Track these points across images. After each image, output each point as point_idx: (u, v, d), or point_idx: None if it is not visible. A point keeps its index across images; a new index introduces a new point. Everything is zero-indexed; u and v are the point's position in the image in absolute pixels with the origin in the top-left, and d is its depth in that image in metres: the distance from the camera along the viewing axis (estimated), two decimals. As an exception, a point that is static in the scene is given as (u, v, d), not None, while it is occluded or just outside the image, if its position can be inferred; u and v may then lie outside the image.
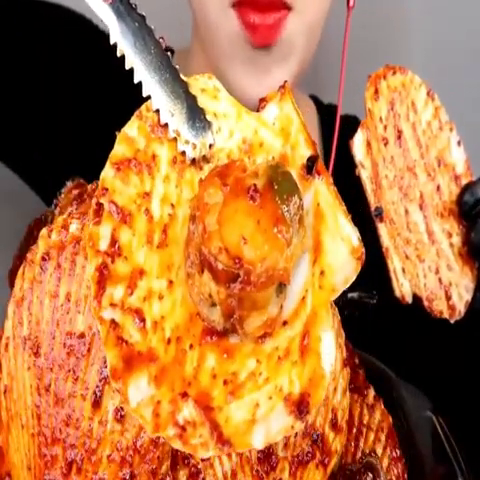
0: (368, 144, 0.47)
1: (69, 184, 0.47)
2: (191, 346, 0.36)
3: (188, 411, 0.34)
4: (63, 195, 0.47)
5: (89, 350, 0.38)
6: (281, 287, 0.36)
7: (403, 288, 0.47)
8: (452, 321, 0.51)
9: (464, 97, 0.91)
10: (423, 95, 0.54)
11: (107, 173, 0.37)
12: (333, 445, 0.41)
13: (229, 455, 0.39)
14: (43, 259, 0.40)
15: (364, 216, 0.46)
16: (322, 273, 0.37)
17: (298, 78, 0.61)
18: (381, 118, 0.50)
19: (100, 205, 0.37)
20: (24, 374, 0.40)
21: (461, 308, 0.52)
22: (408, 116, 0.52)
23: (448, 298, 0.51)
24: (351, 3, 0.56)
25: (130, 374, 0.34)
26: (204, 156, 0.39)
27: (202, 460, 0.38)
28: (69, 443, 0.38)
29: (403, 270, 0.47)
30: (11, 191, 0.76)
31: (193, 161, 0.39)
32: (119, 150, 0.38)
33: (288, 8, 0.56)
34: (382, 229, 0.46)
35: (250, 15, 0.55)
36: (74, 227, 0.40)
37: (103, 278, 0.35)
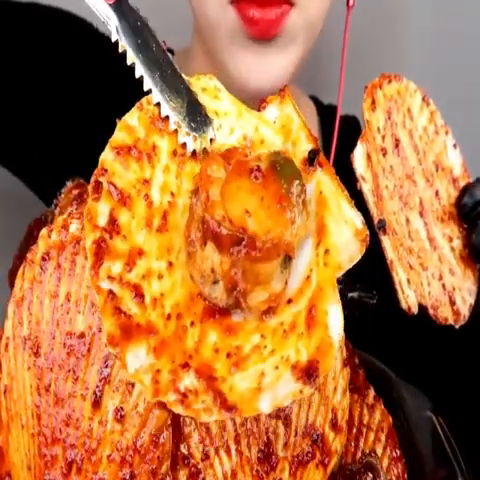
0: (368, 157, 0.47)
1: (69, 184, 0.47)
2: (192, 323, 0.36)
3: (189, 380, 0.34)
4: (63, 195, 0.47)
5: (89, 350, 0.38)
6: (286, 262, 0.36)
7: (409, 299, 0.47)
8: (457, 326, 0.51)
9: (464, 97, 0.91)
10: (418, 101, 0.54)
11: (107, 155, 0.37)
12: (333, 445, 0.41)
13: (229, 455, 0.39)
14: (43, 259, 0.40)
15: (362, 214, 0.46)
16: (327, 252, 0.37)
17: (297, 69, 0.61)
18: (379, 128, 0.50)
19: (99, 183, 0.36)
20: (24, 374, 0.40)
21: (465, 312, 0.52)
22: (405, 123, 0.52)
23: (452, 303, 0.51)
24: (351, 3, 0.56)
25: (128, 342, 0.34)
26: (205, 149, 0.40)
27: (202, 460, 0.39)
28: (69, 443, 0.38)
29: (408, 281, 0.47)
30: (11, 191, 0.76)
31: (194, 153, 0.39)
32: (119, 136, 0.38)
33: (290, 3, 0.56)
34: (385, 241, 0.46)
35: (250, 10, 0.55)
36: (74, 227, 0.40)
37: (101, 251, 0.35)
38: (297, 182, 0.36)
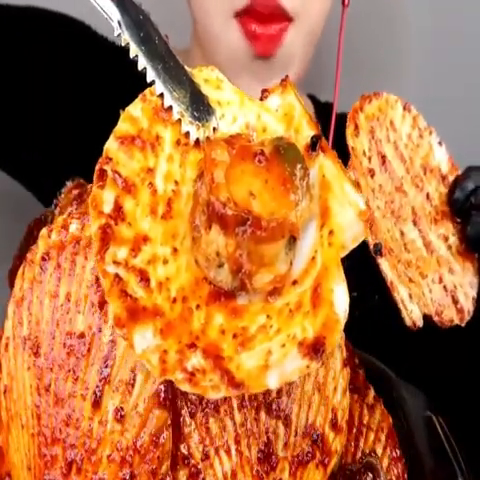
0: (357, 184, 0.47)
1: (69, 184, 0.47)
2: (198, 306, 0.36)
3: (196, 360, 0.34)
4: (63, 195, 0.47)
5: (89, 350, 0.38)
6: (290, 244, 0.36)
7: (413, 314, 0.46)
8: (463, 324, 0.50)
9: (464, 97, 0.91)
10: (400, 111, 0.54)
11: (111, 145, 0.38)
12: (333, 445, 0.41)
13: (229, 455, 0.39)
14: (43, 259, 0.40)
15: None
16: (331, 232, 0.37)
17: (297, 82, 0.62)
18: (364, 151, 0.49)
19: (104, 171, 0.37)
20: (24, 374, 0.40)
21: (469, 307, 0.51)
22: (388, 137, 0.52)
23: (455, 302, 0.51)
24: (346, 1, 0.56)
25: (135, 324, 0.34)
26: (208, 138, 0.40)
27: (202, 460, 0.39)
28: (69, 443, 0.38)
29: (410, 296, 0.47)
30: (10, 191, 0.76)
31: (197, 142, 0.40)
32: (123, 127, 0.38)
33: (289, 19, 0.57)
34: (383, 264, 0.46)
35: (252, 25, 0.56)
36: (74, 227, 0.40)
37: (106, 236, 0.35)
38: (300, 165, 0.37)
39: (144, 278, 0.36)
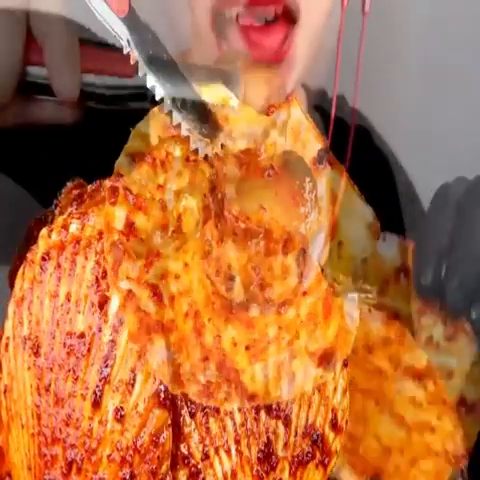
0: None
1: (69, 184, 0.47)
2: (209, 319, 0.37)
3: (210, 373, 0.35)
4: (63, 195, 0.47)
5: (89, 350, 0.38)
6: (301, 256, 0.37)
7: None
8: None
9: (464, 97, 0.91)
10: None
11: (122, 161, 0.39)
12: (333, 445, 0.41)
13: (229, 455, 0.39)
14: (43, 259, 0.40)
15: None
16: (340, 244, 0.39)
17: (301, 82, 0.62)
18: None
19: (115, 188, 0.38)
20: (24, 374, 0.40)
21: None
22: None
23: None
24: (345, 4, 0.57)
25: (149, 338, 0.35)
26: (216, 154, 0.40)
27: (202, 460, 0.39)
28: (69, 443, 0.38)
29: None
30: (10, 191, 0.76)
31: (205, 158, 0.40)
32: (133, 144, 0.39)
33: (293, 21, 0.57)
34: None
35: (254, 34, 0.56)
36: (74, 227, 0.40)
37: (119, 252, 0.36)
38: (308, 179, 0.38)
39: (156, 293, 0.36)
